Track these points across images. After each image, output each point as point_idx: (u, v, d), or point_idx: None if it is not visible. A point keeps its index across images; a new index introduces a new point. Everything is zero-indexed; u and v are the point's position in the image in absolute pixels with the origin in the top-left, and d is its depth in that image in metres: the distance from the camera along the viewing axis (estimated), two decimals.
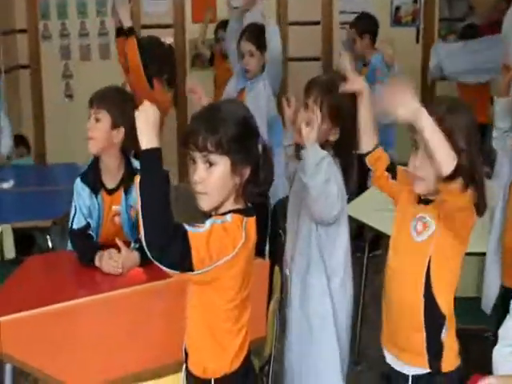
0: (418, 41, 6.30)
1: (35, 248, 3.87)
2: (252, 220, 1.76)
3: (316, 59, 6.14)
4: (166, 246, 1.58)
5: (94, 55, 6.21)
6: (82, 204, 2.71)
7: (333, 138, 2.47)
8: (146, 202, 1.58)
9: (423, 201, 2.06)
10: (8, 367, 2.37)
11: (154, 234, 1.57)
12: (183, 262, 1.60)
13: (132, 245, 2.59)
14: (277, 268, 2.71)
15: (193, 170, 1.74)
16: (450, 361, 2.06)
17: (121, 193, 2.71)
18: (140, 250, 2.52)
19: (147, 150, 1.62)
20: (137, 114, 1.68)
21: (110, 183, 2.73)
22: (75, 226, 2.72)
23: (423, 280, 2.02)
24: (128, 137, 2.64)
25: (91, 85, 6.00)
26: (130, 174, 2.66)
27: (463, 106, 2.03)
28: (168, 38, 4.00)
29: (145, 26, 6.05)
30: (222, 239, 1.65)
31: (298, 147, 2.59)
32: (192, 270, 1.61)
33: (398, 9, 6.18)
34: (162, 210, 1.58)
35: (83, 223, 2.71)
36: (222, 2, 5.93)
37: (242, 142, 1.72)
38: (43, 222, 3.48)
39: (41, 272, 2.75)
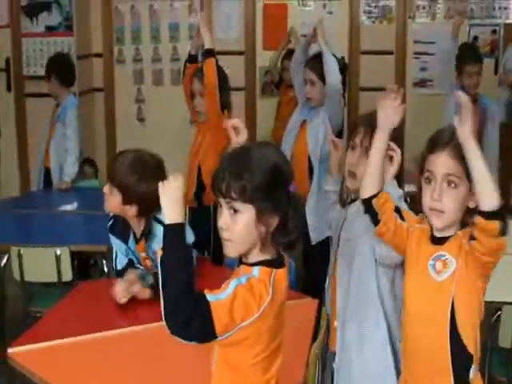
0: (496, 72, 6.08)
1: (95, 272, 3.90)
2: (281, 272, 1.67)
3: None
4: (187, 323, 1.53)
5: (166, 80, 6.29)
6: (119, 247, 2.75)
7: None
8: (167, 278, 1.55)
9: (438, 239, 1.97)
10: None
11: (174, 312, 1.54)
12: (205, 335, 1.56)
13: (147, 279, 2.66)
14: (324, 309, 2.60)
15: (219, 215, 1.67)
16: None
17: (144, 242, 2.75)
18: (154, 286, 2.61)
19: (170, 225, 1.60)
20: (161, 189, 1.65)
21: (137, 231, 2.77)
22: (119, 267, 2.80)
23: (448, 321, 1.92)
24: (142, 208, 2.66)
25: (162, 109, 6.20)
26: (150, 225, 2.71)
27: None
28: (225, 68, 3.97)
29: (216, 53, 6.06)
30: (246, 301, 1.59)
31: (342, 193, 2.52)
32: (215, 338, 1.57)
33: (475, 39, 5.99)
34: (183, 287, 1.54)
35: (125, 262, 2.78)
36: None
37: (269, 190, 1.62)
38: (99, 246, 3.50)
39: (87, 299, 2.76)
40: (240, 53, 6.15)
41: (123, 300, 2.57)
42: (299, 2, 6.11)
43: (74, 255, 3.45)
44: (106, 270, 3.56)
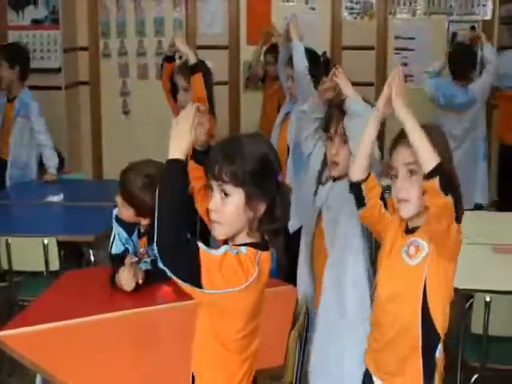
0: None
1: (83, 261, 3.97)
2: (266, 255, 1.76)
3: (369, 84, 6.12)
4: (177, 252, 1.60)
5: (151, 74, 6.35)
6: (120, 234, 2.84)
7: None
8: (162, 206, 1.62)
9: (411, 230, 2.09)
10: (38, 378, 2.44)
11: (166, 237, 1.60)
12: (192, 275, 1.62)
13: (142, 263, 2.75)
14: (302, 295, 2.71)
15: (210, 198, 1.76)
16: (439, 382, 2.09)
17: (146, 240, 2.83)
18: (149, 270, 2.72)
19: (173, 160, 1.67)
20: (174, 122, 1.73)
21: (142, 228, 2.85)
22: (114, 252, 2.86)
23: (420, 302, 2.04)
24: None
25: (147, 102, 6.25)
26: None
27: (437, 128, 2.17)
28: (209, 62, 4.02)
29: (200, 47, 6.14)
30: (234, 268, 1.66)
31: (320, 174, 2.65)
32: (201, 287, 1.63)
33: (454, 35, 6.10)
34: (177, 215, 1.61)
35: (121, 249, 2.84)
36: (276, 24, 6.03)
37: (259, 177, 1.72)
38: (86, 236, 3.58)
39: (75, 286, 2.83)
40: (224, 47, 6.23)
41: (131, 287, 2.64)
42: None
43: (60, 245, 3.52)
44: (92, 259, 3.64)
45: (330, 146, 2.65)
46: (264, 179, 1.73)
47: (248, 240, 1.76)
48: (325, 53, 5.42)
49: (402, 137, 2.03)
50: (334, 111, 2.64)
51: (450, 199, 1.89)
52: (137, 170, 2.77)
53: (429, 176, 1.88)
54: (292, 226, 3.14)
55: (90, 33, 6.31)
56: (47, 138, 4.74)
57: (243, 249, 1.72)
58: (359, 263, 2.62)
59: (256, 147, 1.76)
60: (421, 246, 2.04)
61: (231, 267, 1.66)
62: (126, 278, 2.64)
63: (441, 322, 2.05)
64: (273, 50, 4.96)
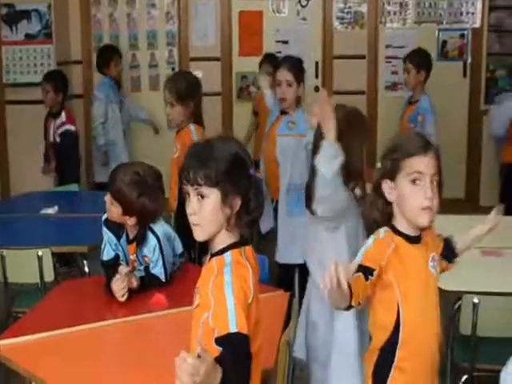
0: (465, 75, 6.27)
1: (77, 272, 4.00)
2: (249, 248, 1.83)
3: (361, 93, 6.18)
4: None
5: (144, 86, 6.40)
6: (110, 240, 2.89)
7: None
8: None
9: (415, 238, 2.14)
10: None
11: None
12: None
13: (135, 272, 2.79)
14: (295, 300, 2.74)
15: (187, 203, 1.83)
16: None
17: (135, 244, 2.87)
18: (142, 277, 2.77)
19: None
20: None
21: (130, 233, 2.89)
22: (105, 258, 2.92)
23: (438, 308, 2.16)
24: (140, 219, 2.81)
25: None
26: (144, 233, 2.83)
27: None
28: (197, 72, 4.08)
29: (193, 59, 6.21)
30: (243, 290, 1.75)
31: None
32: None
33: (444, 43, 6.18)
34: None
35: (112, 255, 2.89)
36: (268, 35, 6.12)
37: (231, 174, 1.79)
38: (80, 247, 3.61)
39: (69, 297, 2.86)
40: (216, 59, 6.29)
41: (124, 297, 2.67)
42: (274, 9, 6.26)
43: (55, 256, 3.55)
44: (86, 270, 3.67)
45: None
46: (237, 176, 1.81)
47: (229, 240, 1.83)
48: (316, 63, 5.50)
49: (420, 143, 2.07)
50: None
51: None
52: (126, 168, 2.85)
53: None
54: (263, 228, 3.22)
55: (84, 46, 6.37)
56: None
57: (228, 257, 1.79)
58: None
59: (226, 147, 1.83)
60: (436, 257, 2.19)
61: (243, 295, 1.74)
62: (120, 289, 2.66)
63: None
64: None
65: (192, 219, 1.81)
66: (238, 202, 1.81)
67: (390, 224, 2.12)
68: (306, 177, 2.89)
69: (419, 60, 4.85)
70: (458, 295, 2.89)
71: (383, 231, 2.11)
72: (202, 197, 1.79)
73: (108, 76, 5.70)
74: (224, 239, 1.83)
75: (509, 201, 5.56)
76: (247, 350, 1.69)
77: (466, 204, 6.02)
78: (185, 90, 3.83)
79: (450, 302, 2.88)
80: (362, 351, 2.53)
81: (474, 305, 2.83)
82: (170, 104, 3.89)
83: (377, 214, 2.13)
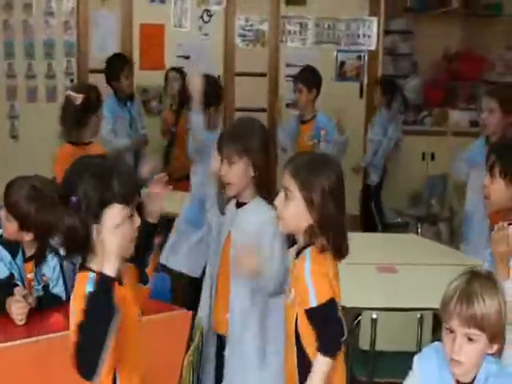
0: (361, 96, 6.47)
1: None
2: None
3: (262, 110, 6.25)
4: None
5: (41, 97, 6.20)
6: (3, 257, 2.74)
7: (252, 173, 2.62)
8: (88, 326, 1.63)
9: None
10: None
11: (86, 369, 1.64)
12: None
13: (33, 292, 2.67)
14: (198, 318, 2.72)
15: None
16: None
17: (33, 263, 2.74)
18: (40, 297, 2.66)
19: (106, 277, 1.66)
20: (109, 237, 1.68)
21: (27, 251, 2.75)
22: None
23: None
24: (38, 235, 2.68)
25: (37, 126, 6.09)
26: (43, 250, 2.72)
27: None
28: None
29: (93, 71, 6.08)
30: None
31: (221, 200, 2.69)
32: None
33: (342, 64, 6.36)
34: (99, 348, 1.62)
35: (6, 273, 2.73)
36: (170, 50, 6.08)
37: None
38: None
39: None
40: None
41: (23, 321, 2.53)
42: (176, 23, 6.23)
43: None
44: None
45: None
46: None
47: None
48: (218, 77, 5.50)
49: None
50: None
51: None
52: (22, 181, 2.71)
53: None
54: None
55: None
56: None
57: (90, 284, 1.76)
58: None
59: None
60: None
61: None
62: (19, 313, 2.53)
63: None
64: None
65: None
66: None
67: None
68: None
69: (309, 79, 4.97)
70: (358, 311, 2.96)
71: None
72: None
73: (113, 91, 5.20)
74: None
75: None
76: None
77: (362, 222, 6.18)
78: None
79: (349, 318, 2.95)
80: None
81: (373, 320, 2.91)
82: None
83: None
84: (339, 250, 2.18)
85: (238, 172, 2.59)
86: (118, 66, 5.31)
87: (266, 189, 2.63)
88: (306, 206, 2.14)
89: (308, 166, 2.18)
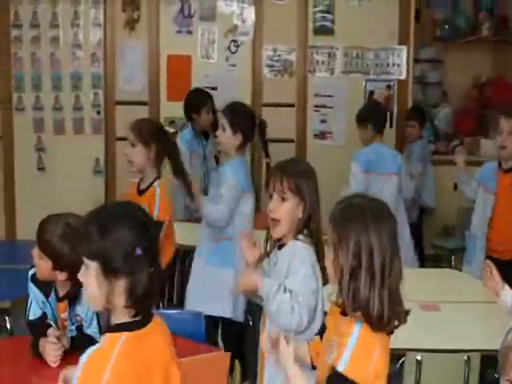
0: (391, 125, 6.38)
1: None
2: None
3: (290, 141, 6.20)
4: None
5: (68, 129, 6.19)
6: (36, 297, 2.67)
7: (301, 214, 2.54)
8: None
9: None
10: None
11: None
12: None
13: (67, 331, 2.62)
14: (236, 361, 2.63)
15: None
16: None
17: (66, 303, 2.68)
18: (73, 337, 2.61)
19: None
20: None
21: (60, 290, 2.70)
22: (31, 317, 2.71)
23: None
24: (72, 274, 2.57)
25: (64, 158, 6.09)
26: (77, 289, 2.61)
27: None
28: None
29: (119, 103, 6.07)
30: None
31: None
32: None
33: (371, 93, 6.28)
34: None
35: (39, 314, 2.68)
36: (197, 80, 6.06)
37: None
38: (2, 302, 3.36)
39: None
40: (144, 103, 6.16)
41: (57, 363, 2.48)
42: (203, 54, 6.22)
43: None
44: (8, 327, 3.42)
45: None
46: None
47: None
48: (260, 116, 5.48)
49: None
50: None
51: None
52: (56, 219, 2.65)
53: None
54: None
55: (3, 86, 6.12)
56: None
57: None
58: None
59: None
60: None
61: None
62: (53, 355, 2.47)
63: None
64: None
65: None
66: None
67: None
68: None
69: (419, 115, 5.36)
70: (402, 353, 2.85)
71: None
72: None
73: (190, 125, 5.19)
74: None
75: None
76: None
77: None
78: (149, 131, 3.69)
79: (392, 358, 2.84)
80: None
81: (417, 362, 2.81)
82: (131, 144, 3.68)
83: None
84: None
85: (291, 209, 2.52)
86: (200, 99, 5.26)
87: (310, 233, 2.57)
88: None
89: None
